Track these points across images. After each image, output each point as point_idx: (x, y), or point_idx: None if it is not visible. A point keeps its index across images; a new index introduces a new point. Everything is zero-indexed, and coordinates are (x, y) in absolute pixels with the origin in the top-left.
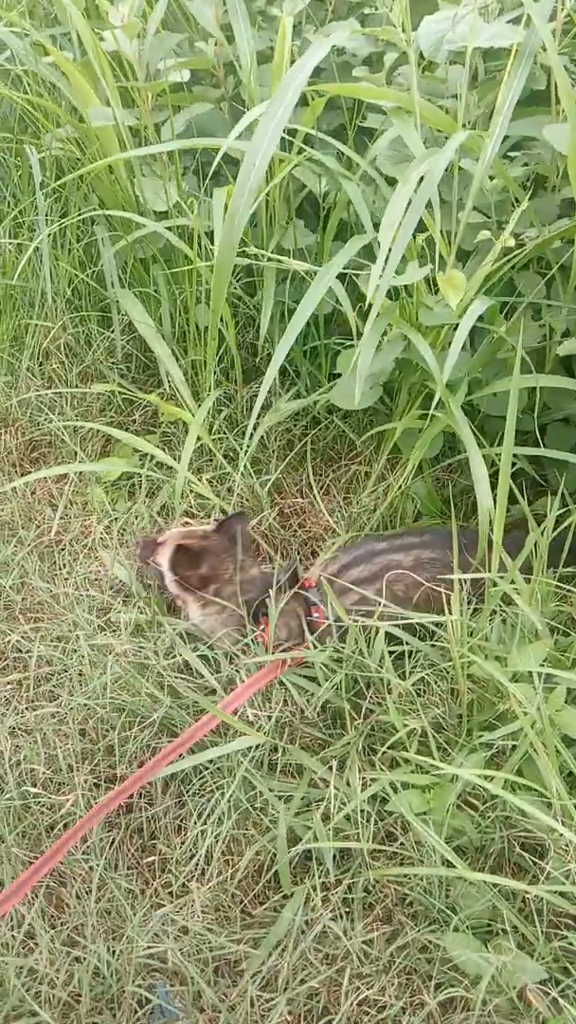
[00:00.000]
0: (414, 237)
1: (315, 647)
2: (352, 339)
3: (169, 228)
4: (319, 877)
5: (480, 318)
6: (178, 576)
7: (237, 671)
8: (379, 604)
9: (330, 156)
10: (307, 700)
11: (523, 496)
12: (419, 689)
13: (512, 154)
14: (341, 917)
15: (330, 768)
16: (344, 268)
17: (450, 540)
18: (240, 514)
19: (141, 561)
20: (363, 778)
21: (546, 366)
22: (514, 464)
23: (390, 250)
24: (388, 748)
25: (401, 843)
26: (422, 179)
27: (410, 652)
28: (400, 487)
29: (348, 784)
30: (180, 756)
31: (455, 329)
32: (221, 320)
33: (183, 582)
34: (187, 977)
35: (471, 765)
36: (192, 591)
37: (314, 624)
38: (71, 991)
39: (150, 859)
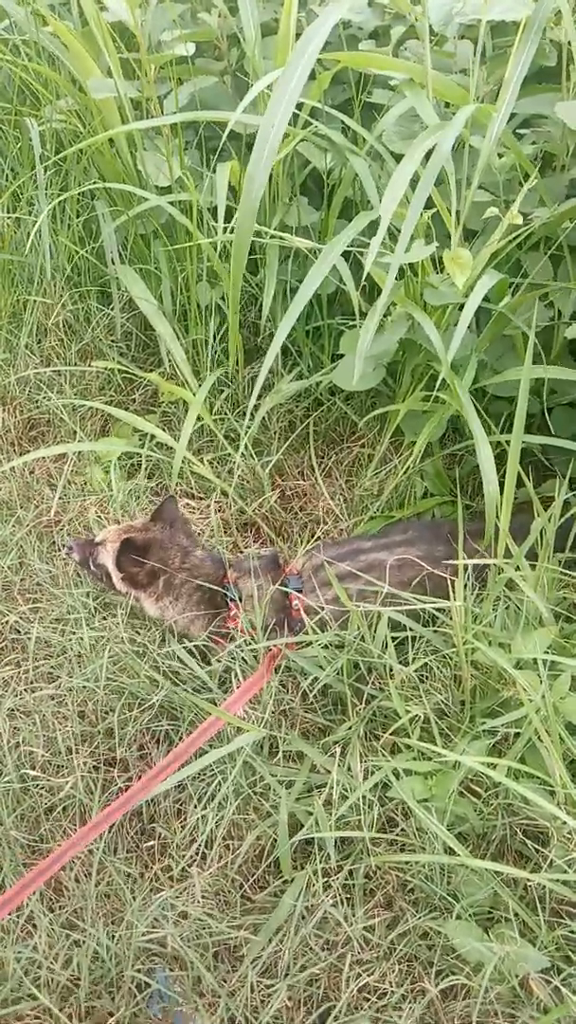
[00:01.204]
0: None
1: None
2: (356, 319)
3: (171, 203)
4: (320, 863)
5: (486, 298)
6: (125, 574)
7: (232, 660)
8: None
9: (336, 131)
10: (308, 685)
11: (529, 478)
12: (422, 675)
13: (521, 131)
14: (342, 903)
15: (332, 755)
16: (349, 246)
17: (433, 533)
18: (170, 498)
19: (80, 566)
20: (365, 765)
21: (553, 349)
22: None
23: (392, 225)
24: (390, 734)
25: (402, 829)
26: (430, 153)
27: (413, 638)
28: (406, 470)
29: (349, 770)
30: (180, 767)
31: (460, 309)
32: (223, 298)
33: (131, 580)
34: (187, 962)
35: (474, 752)
36: (142, 587)
37: (292, 613)
38: (70, 975)
39: (150, 843)
